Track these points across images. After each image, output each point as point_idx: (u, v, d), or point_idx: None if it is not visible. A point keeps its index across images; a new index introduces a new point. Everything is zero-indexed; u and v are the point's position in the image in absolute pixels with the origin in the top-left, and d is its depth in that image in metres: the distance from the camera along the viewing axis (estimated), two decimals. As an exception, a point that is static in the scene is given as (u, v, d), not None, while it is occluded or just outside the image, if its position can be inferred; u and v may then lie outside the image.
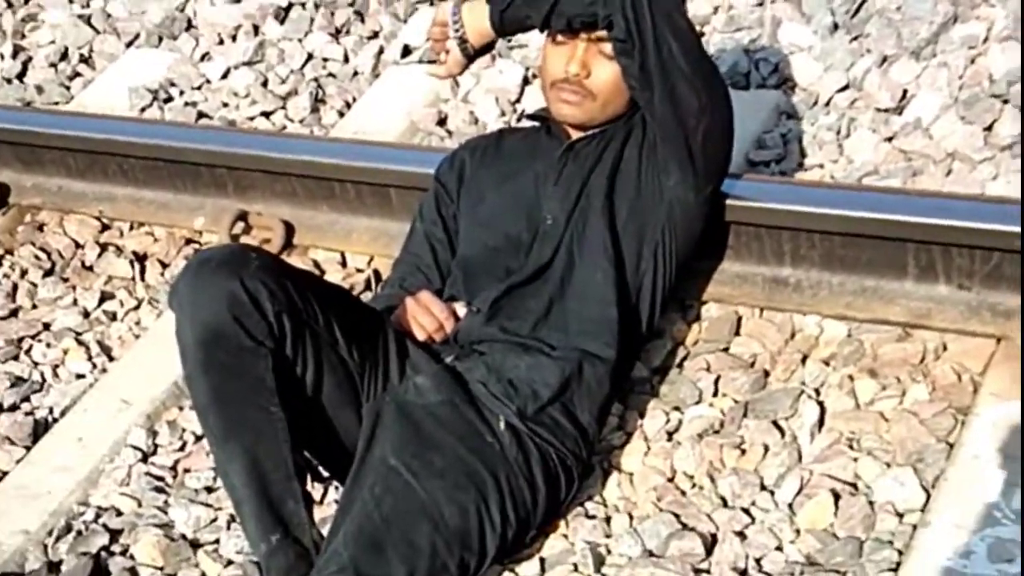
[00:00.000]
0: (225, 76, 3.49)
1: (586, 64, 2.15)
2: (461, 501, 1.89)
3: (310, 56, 3.47)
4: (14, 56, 3.77)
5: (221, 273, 1.86)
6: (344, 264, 2.77)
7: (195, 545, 2.16)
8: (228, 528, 2.17)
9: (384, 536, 1.82)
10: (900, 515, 1.95)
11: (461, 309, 2.16)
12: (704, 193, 2.19)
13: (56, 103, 3.57)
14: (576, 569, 1.98)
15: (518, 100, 3.12)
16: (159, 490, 2.28)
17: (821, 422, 2.14)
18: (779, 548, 1.95)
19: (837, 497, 1.99)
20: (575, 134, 2.24)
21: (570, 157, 2.22)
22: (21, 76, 3.72)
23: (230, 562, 2.11)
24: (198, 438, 2.38)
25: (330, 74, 3.41)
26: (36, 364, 2.67)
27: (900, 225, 2.22)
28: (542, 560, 2.02)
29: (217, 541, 2.16)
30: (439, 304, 2.15)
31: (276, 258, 2.00)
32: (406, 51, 3.40)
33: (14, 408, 2.55)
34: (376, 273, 2.70)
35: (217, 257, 1.90)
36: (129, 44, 3.73)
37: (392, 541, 1.82)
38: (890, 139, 2.68)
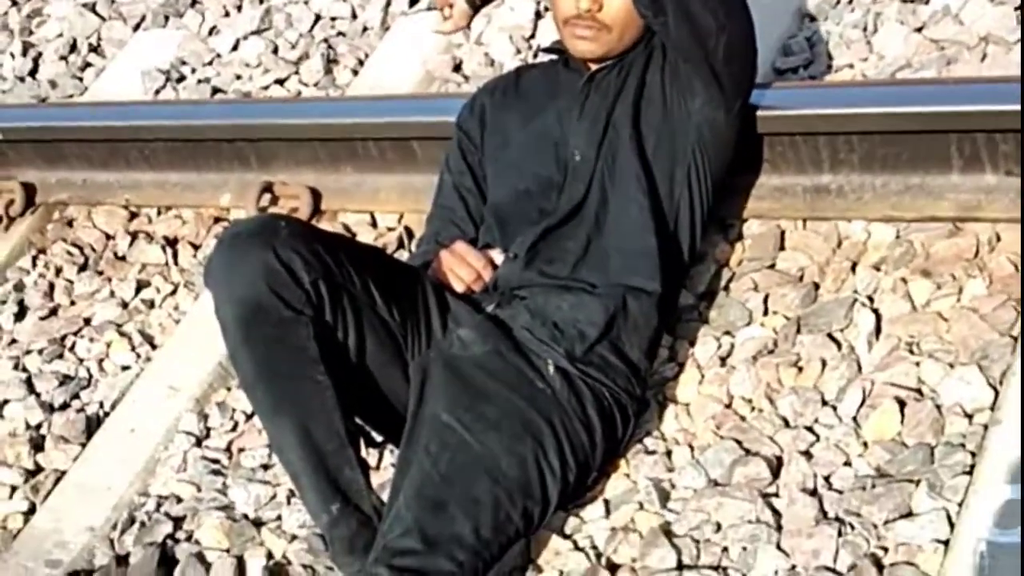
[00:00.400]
0: (235, 48, 3.45)
1: None
2: (518, 451, 1.86)
3: (318, 17, 3.42)
4: (24, 53, 3.75)
5: (253, 245, 1.84)
6: (375, 224, 2.73)
7: (258, 524, 2.15)
8: (288, 503, 2.16)
9: (445, 494, 1.80)
10: (969, 416, 1.89)
11: (498, 256, 2.11)
12: (733, 110, 2.12)
13: (71, 96, 3.54)
14: (641, 507, 1.94)
15: (532, 36, 3.05)
16: (216, 472, 2.28)
17: (878, 329, 2.07)
18: (847, 463, 1.90)
19: (902, 404, 1.93)
20: (594, 65, 2.18)
21: (592, 89, 2.16)
22: (33, 73, 3.69)
23: (294, 537, 2.10)
24: (249, 416, 2.37)
25: (340, 33, 3.35)
26: (81, 360, 2.67)
27: (940, 117, 2.14)
28: (606, 502, 1.98)
29: (279, 518, 2.15)
30: (474, 253, 2.10)
31: (306, 224, 1.98)
32: (413, 0, 3.33)
33: (65, 406, 2.56)
34: (407, 230, 2.65)
35: (247, 229, 1.88)
36: (136, 27, 3.69)
37: (454, 498, 1.80)
38: (919, 29, 2.58)
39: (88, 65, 3.65)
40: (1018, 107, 2.06)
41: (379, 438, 2.10)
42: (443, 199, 2.30)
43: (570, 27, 2.12)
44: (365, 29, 3.33)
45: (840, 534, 1.80)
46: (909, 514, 1.80)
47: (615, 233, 2.08)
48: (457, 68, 3.05)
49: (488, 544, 1.80)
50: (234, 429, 2.37)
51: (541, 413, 1.90)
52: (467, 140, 2.30)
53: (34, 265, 2.98)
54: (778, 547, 1.82)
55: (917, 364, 1.99)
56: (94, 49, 3.70)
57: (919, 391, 1.96)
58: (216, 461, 2.31)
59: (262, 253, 1.82)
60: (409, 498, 1.80)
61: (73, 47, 3.72)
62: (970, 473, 1.80)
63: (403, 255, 2.54)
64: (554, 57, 2.29)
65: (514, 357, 1.96)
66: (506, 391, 1.91)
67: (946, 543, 1.73)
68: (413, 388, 1.93)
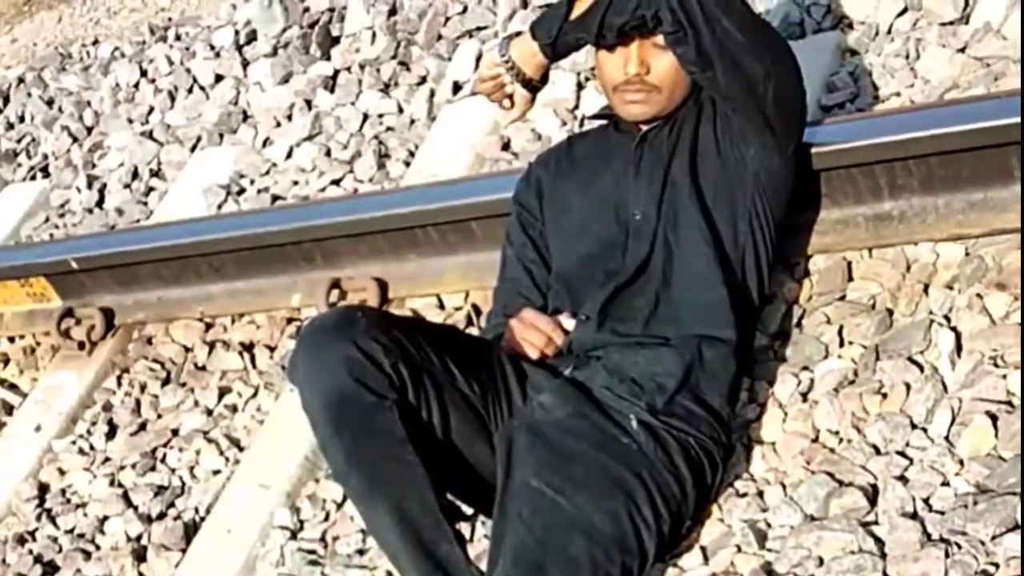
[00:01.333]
0: (289, 156, 3.54)
1: (644, 61, 2.11)
2: (610, 507, 1.85)
3: (365, 116, 3.50)
4: (89, 186, 3.87)
5: (333, 338, 1.87)
6: (442, 306, 2.76)
7: (360, 609, 2.16)
8: (388, 585, 2.16)
9: (542, 557, 1.79)
10: (1063, 421, 1.86)
11: (567, 321, 2.13)
12: (787, 153, 2.13)
13: (138, 220, 3.65)
14: (740, 550, 1.92)
15: (576, 107, 3.09)
16: (314, 563, 2.29)
17: (959, 347, 2.05)
18: (945, 483, 1.87)
19: (994, 419, 1.90)
20: (645, 126, 2.20)
21: (645, 148, 2.18)
22: (100, 203, 3.81)
23: (397, 617, 2.10)
24: (339, 505, 2.39)
25: (388, 128, 3.43)
26: (173, 470, 2.72)
27: (996, 130, 2.13)
28: (703, 548, 1.96)
29: (381, 600, 2.15)
30: (543, 318, 2.12)
31: (381, 311, 2.01)
32: (456, 87, 3.40)
33: (162, 516, 2.61)
34: (475, 307, 2.68)
35: (326, 324, 1.92)
36: (193, 148, 3.80)
37: (552, 560, 1.79)
38: (962, 50, 2.59)
39: (151, 190, 3.77)
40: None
41: (470, 511, 2.10)
42: (508, 272, 2.33)
43: (620, 93, 2.15)
44: (412, 121, 3.41)
45: (947, 555, 1.76)
46: (1016, 527, 1.76)
47: (684, 287, 2.09)
48: (506, 147, 3.11)
49: None
50: (327, 519, 2.39)
51: (629, 468, 1.90)
52: (526, 213, 2.33)
53: (119, 384, 3.05)
54: (885, 574, 1.79)
55: (1004, 376, 1.96)
56: (155, 174, 3.82)
57: (1009, 403, 1.93)
58: (312, 552, 2.32)
59: (343, 345, 1.86)
60: (508, 566, 1.80)
61: (135, 174, 3.84)
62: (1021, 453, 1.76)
63: (473, 332, 2.56)
64: (603, 122, 2.32)
65: (596, 416, 1.96)
66: (592, 450, 1.91)
67: (1057, 551, 1.69)
68: (500, 458, 1.94)
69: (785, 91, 2.07)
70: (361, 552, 2.26)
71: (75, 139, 4.16)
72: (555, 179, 2.31)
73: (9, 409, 3.15)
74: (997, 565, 1.73)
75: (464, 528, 2.10)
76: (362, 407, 1.86)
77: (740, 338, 2.07)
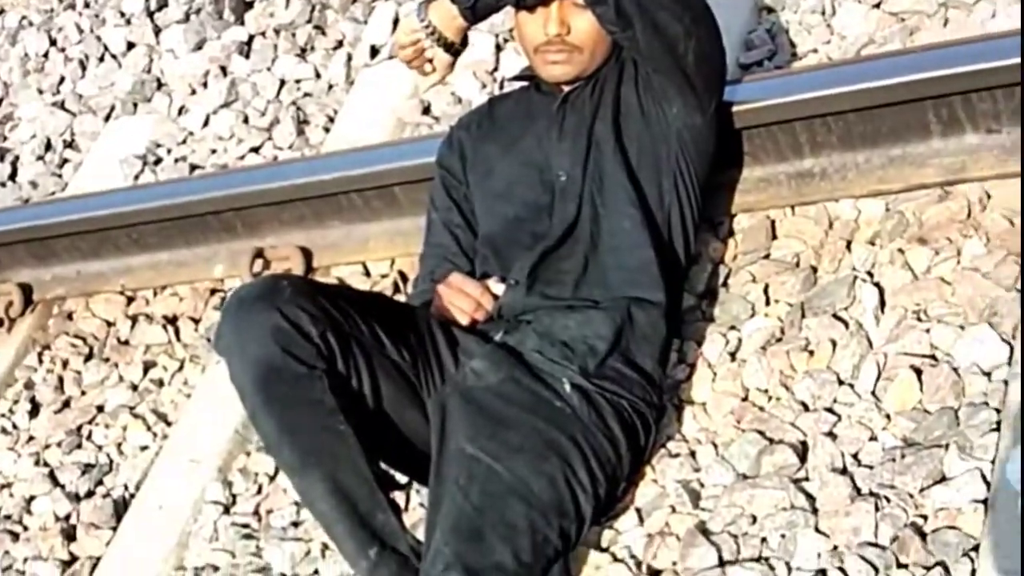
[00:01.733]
0: (206, 124, 3.47)
1: (564, 21, 2.10)
2: (546, 471, 1.86)
3: (283, 82, 3.44)
4: (1, 159, 3.77)
5: (259, 308, 1.85)
6: (368, 274, 2.74)
7: (297, 582, 2.15)
8: (324, 556, 2.16)
9: (480, 524, 1.80)
10: (987, 374, 1.90)
11: (495, 285, 2.12)
12: (709, 111, 2.14)
13: (53, 193, 3.56)
14: (674, 510, 1.95)
15: (495, 69, 3.07)
16: (248, 537, 2.28)
17: (882, 302, 2.09)
18: (873, 438, 1.91)
19: (919, 373, 1.94)
20: (566, 86, 2.20)
21: (568, 109, 2.18)
22: (13, 176, 3.71)
23: (335, 589, 2.10)
24: (272, 478, 2.37)
25: (306, 94, 3.38)
26: (100, 447, 2.68)
27: (913, 85, 2.16)
28: (638, 510, 1.98)
29: (317, 572, 2.15)
30: (471, 282, 2.11)
31: (306, 280, 1.99)
32: (374, 51, 3.36)
33: (91, 494, 2.57)
34: (401, 274, 2.67)
35: (251, 294, 1.89)
36: (107, 118, 3.71)
37: (490, 527, 1.79)
38: (877, 6, 2.62)
39: (65, 161, 3.67)
40: (990, 65, 2.08)
41: (404, 480, 2.10)
42: (433, 237, 2.32)
43: (541, 54, 2.14)
44: (331, 87, 3.36)
45: (877, 508, 1.80)
46: (943, 479, 1.80)
47: (611, 248, 2.09)
48: (426, 111, 3.08)
49: (530, 568, 1.80)
50: (259, 492, 2.37)
51: (564, 432, 1.91)
52: (450, 176, 2.31)
53: (40, 361, 2.99)
54: (817, 530, 1.82)
55: (927, 331, 2.00)
56: (69, 145, 3.72)
57: (933, 357, 1.97)
58: (246, 526, 2.30)
59: (269, 315, 1.84)
60: (446, 533, 1.80)
61: (48, 146, 3.74)
62: (998, 429, 1.80)
63: (400, 299, 2.54)
64: (525, 84, 2.31)
65: (529, 381, 1.96)
66: (526, 415, 1.92)
67: (985, 502, 1.74)
68: (434, 425, 1.94)
69: (705, 50, 2.08)
70: (296, 524, 2.25)
71: (-17, 111, 4.04)
72: (478, 142, 2.30)
73: (-73, 389, 3.08)
74: (926, 517, 1.77)
75: (399, 497, 2.10)
76: (291, 377, 1.84)
77: (669, 299, 2.08)
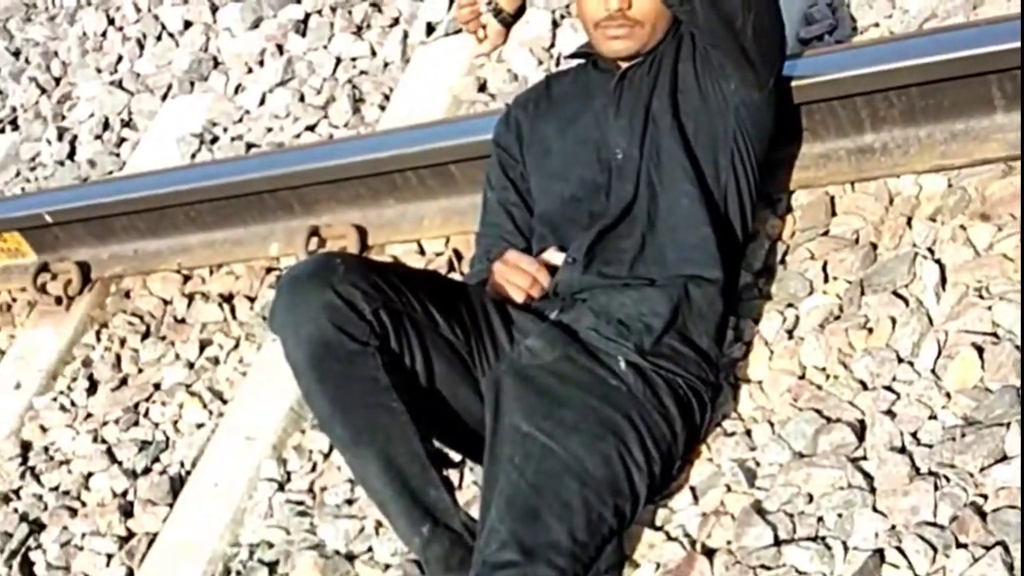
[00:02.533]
0: (262, 102, 3.49)
1: None
2: (602, 450, 1.85)
3: (338, 60, 3.44)
4: (59, 138, 3.81)
5: (312, 286, 1.86)
6: (422, 252, 2.74)
7: (350, 558, 2.16)
8: (378, 534, 2.16)
9: (536, 502, 1.79)
10: (1050, 351, 1.86)
11: (554, 255, 2.10)
12: (767, 87, 2.11)
13: (110, 172, 3.60)
14: (729, 489, 1.92)
15: (552, 45, 3.04)
16: (303, 514, 2.29)
17: (943, 279, 2.05)
18: (933, 416, 1.87)
19: (980, 350, 1.90)
20: (624, 63, 2.17)
21: (625, 86, 2.15)
22: (71, 155, 3.75)
23: (387, 566, 2.11)
24: (326, 455, 2.38)
25: (362, 72, 3.38)
26: (157, 424, 2.70)
27: (976, 59, 2.11)
28: (692, 489, 1.97)
29: (371, 549, 2.16)
30: (527, 258, 2.10)
31: (360, 257, 1.99)
32: (430, 29, 3.35)
33: (147, 471, 2.60)
34: (455, 253, 2.66)
35: (305, 272, 1.90)
36: (164, 96, 3.74)
37: (545, 505, 1.79)
38: (940, -22, 2.56)
39: (123, 140, 3.71)
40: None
41: (458, 458, 2.10)
42: (489, 216, 2.31)
43: (601, 29, 2.12)
44: (386, 64, 3.35)
45: (936, 488, 1.77)
46: (1004, 458, 1.76)
47: (669, 226, 2.07)
48: (482, 88, 3.06)
49: (585, 546, 1.79)
50: (314, 470, 2.38)
51: (619, 410, 1.89)
52: (506, 155, 2.30)
53: (98, 339, 3.02)
54: (874, 509, 1.79)
55: (989, 308, 1.96)
56: (126, 124, 3.76)
57: (995, 334, 1.92)
58: (301, 503, 2.32)
59: (322, 292, 1.85)
60: (501, 511, 1.79)
61: (106, 125, 3.78)
62: (1020, 413, 1.76)
63: (455, 278, 2.54)
64: (582, 61, 2.29)
65: (584, 359, 1.95)
66: (581, 393, 1.90)
67: (1047, 481, 1.70)
68: (488, 403, 1.93)
69: (763, 24, 2.05)
70: (350, 502, 2.26)
71: (43, 90, 4.09)
72: (535, 120, 2.28)
73: (-12, 367, 3.13)
74: (986, 496, 1.74)
75: (452, 475, 2.10)
76: (344, 354, 1.85)
77: (726, 277, 2.06)
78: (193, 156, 3.43)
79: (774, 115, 2.15)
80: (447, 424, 2.00)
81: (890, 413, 1.90)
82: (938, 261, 2.07)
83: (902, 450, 1.84)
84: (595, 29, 2.14)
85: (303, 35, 3.58)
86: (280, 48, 3.60)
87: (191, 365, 2.80)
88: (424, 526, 1.84)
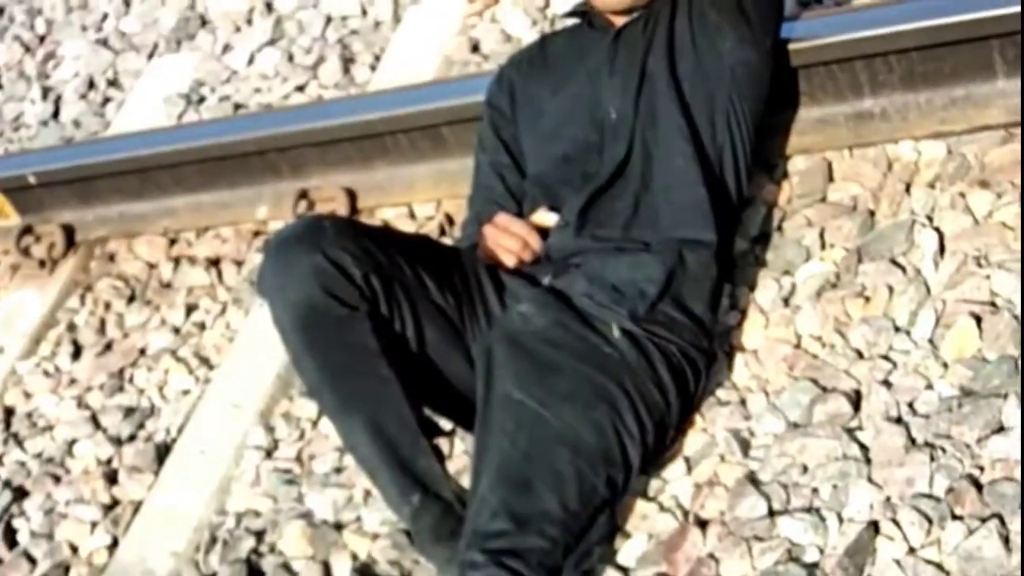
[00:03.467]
0: (251, 62, 3.43)
1: None
2: (594, 418, 1.82)
3: (328, 19, 3.39)
4: (44, 97, 3.76)
5: (301, 250, 1.83)
6: (413, 216, 2.70)
7: (339, 527, 2.14)
8: (366, 503, 2.14)
9: (528, 471, 1.77)
10: (1050, 321, 1.83)
11: (545, 215, 2.06)
12: (764, 47, 2.07)
13: (96, 132, 3.54)
14: (723, 459, 1.90)
15: (546, 5, 3.00)
16: (290, 482, 2.26)
17: (942, 248, 2.02)
18: (929, 387, 1.85)
19: (978, 319, 1.88)
20: (619, 21, 2.13)
21: (620, 44, 2.11)
22: (56, 115, 3.70)
23: (376, 536, 2.09)
24: (314, 423, 2.36)
25: (352, 31, 3.32)
26: (142, 391, 2.67)
27: (978, 23, 2.08)
28: (686, 459, 1.94)
29: (359, 518, 2.13)
30: (517, 221, 2.06)
31: (350, 220, 1.97)
32: (422, -12, 3.30)
33: (132, 438, 2.56)
34: (447, 216, 2.62)
35: (293, 235, 1.87)
36: (150, 56, 3.68)
37: (537, 474, 1.76)
38: (941, -60, 2.51)
39: (108, 100, 3.65)
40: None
41: (449, 426, 2.07)
42: (481, 178, 2.27)
43: None
44: (377, 24, 3.30)
45: (932, 459, 1.75)
46: (1001, 429, 1.74)
47: (663, 187, 2.04)
48: (475, 49, 3.01)
49: (577, 516, 1.77)
50: (301, 438, 2.35)
51: (612, 378, 1.86)
52: (499, 116, 2.26)
53: (82, 303, 2.98)
54: (869, 480, 1.77)
55: (987, 277, 1.93)
56: (112, 83, 3.70)
57: (993, 304, 1.90)
58: (288, 471, 2.29)
59: (311, 255, 1.82)
60: (492, 480, 1.77)
61: (91, 84, 3.72)
62: (1020, 395, 1.74)
63: (447, 242, 2.50)
64: (577, 20, 2.24)
65: (577, 326, 1.92)
66: (574, 360, 1.87)
67: (1045, 453, 1.68)
68: (479, 370, 1.90)
69: None
70: (338, 471, 2.23)
71: (27, 48, 4.02)
72: (528, 80, 2.24)
73: (-30, 330, 3.09)
74: (983, 468, 1.72)
75: (443, 443, 2.08)
76: (333, 319, 1.82)
77: (721, 241, 2.02)
78: (179, 117, 3.38)
79: (770, 77, 2.12)
80: (438, 392, 1.97)
81: (886, 383, 1.88)
82: (937, 229, 2.04)
83: (898, 420, 1.82)
84: None
85: (292, -7, 3.53)
86: (269, 6, 3.54)
87: (177, 330, 2.76)
88: (414, 495, 1.82)
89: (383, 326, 1.86)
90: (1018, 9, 2.03)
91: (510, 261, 2.03)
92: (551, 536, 1.73)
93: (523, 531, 1.72)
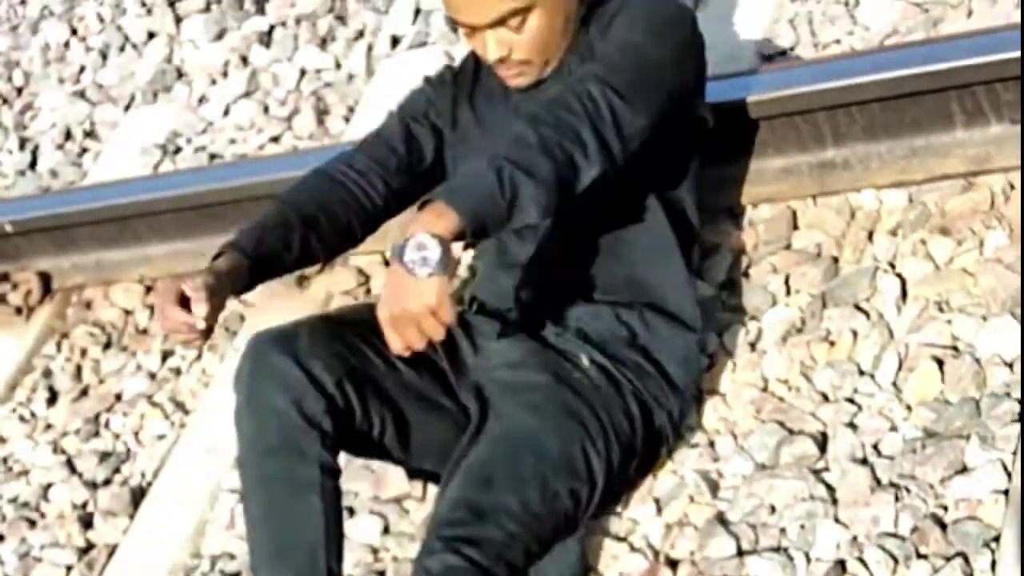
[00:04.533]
0: (226, 113, 3.46)
1: (502, 42, 1.92)
2: (561, 431, 1.84)
3: (303, 72, 3.43)
4: (21, 148, 3.78)
5: (274, 354, 1.85)
6: (387, 263, 2.73)
7: (313, 570, 2.14)
8: (341, 545, 2.14)
9: (491, 471, 1.79)
10: (1009, 364, 1.88)
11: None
12: (665, 140, 1.93)
13: (72, 182, 3.57)
14: (692, 500, 1.93)
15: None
16: (265, 526, 2.26)
17: (904, 293, 2.07)
18: (894, 428, 1.89)
19: (940, 363, 1.92)
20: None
21: (532, 92, 2.00)
22: (33, 165, 3.72)
23: (351, 577, 2.09)
24: (290, 466, 2.36)
25: (326, 84, 3.37)
26: (117, 436, 2.68)
27: (937, 75, 2.13)
28: (656, 500, 1.97)
29: (334, 561, 2.13)
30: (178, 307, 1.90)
31: (323, 320, 1.94)
32: (395, 41, 3.35)
33: (108, 482, 2.57)
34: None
35: (269, 338, 1.88)
36: (127, 107, 3.71)
37: (499, 475, 1.78)
38: (901, -4, 2.59)
39: (85, 150, 3.67)
40: (1014, 54, 2.06)
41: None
42: (385, 133, 2.14)
43: (497, 71, 2.00)
44: (351, 76, 3.35)
45: (897, 499, 1.79)
46: (964, 469, 1.79)
47: (608, 248, 2.01)
48: (449, 101, 3.06)
49: (539, 519, 1.78)
50: (277, 481, 2.36)
51: (583, 399, 1.88)
52: (433, 107, 2.14)
53: (59, 350, 2.99)
54: (836, 520, 1.81)
55: (949, 321, 1.98)
56: (89, 134, 3.72)
57: (955, 347, 1.95)
58: (264, 514, 2.29)
59: (284, 361, 1.83)
60: (457, 480, 1.80)
61: (68, 135, 3.74)
62: (1020, 420, 1.79)
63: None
64: None
65: (550, 353, 1.95)
66: (546, 378, 1.91)
67: (1006, 492, 1.72)
68: (473, 411, 1.92)
69: (627, 132, 1.81)
70: (313, 513, 2.24)
71: (5, 100, 4.05)
72: (460, 96, 2.13)
73: (-54, 377, 3.08)
74: (946, 507, 1.76)
75: (416, 487, 2.10)
76: (290, 431, 1.83)
77: (674, 292, 2.01)
78: (156, 167, 3.40)
79: (688, 142, 2.05)
80: (433, 462, 2.00)
81: (852, 425, 1.92)
82: (899, 275, 2.09)
83: (863, 462, 1.86)
84: (495, 70, 2.00)
85: (267, 47, 3.57)
86: (244, 59, 3.59)
87: (153, 376, 2.78)
88: None
89: (347, 440, 1.88)
90: (972, 61, 2.10)
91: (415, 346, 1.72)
92: (509, 531, 1.74)
93: (481, 522, 1.73)
